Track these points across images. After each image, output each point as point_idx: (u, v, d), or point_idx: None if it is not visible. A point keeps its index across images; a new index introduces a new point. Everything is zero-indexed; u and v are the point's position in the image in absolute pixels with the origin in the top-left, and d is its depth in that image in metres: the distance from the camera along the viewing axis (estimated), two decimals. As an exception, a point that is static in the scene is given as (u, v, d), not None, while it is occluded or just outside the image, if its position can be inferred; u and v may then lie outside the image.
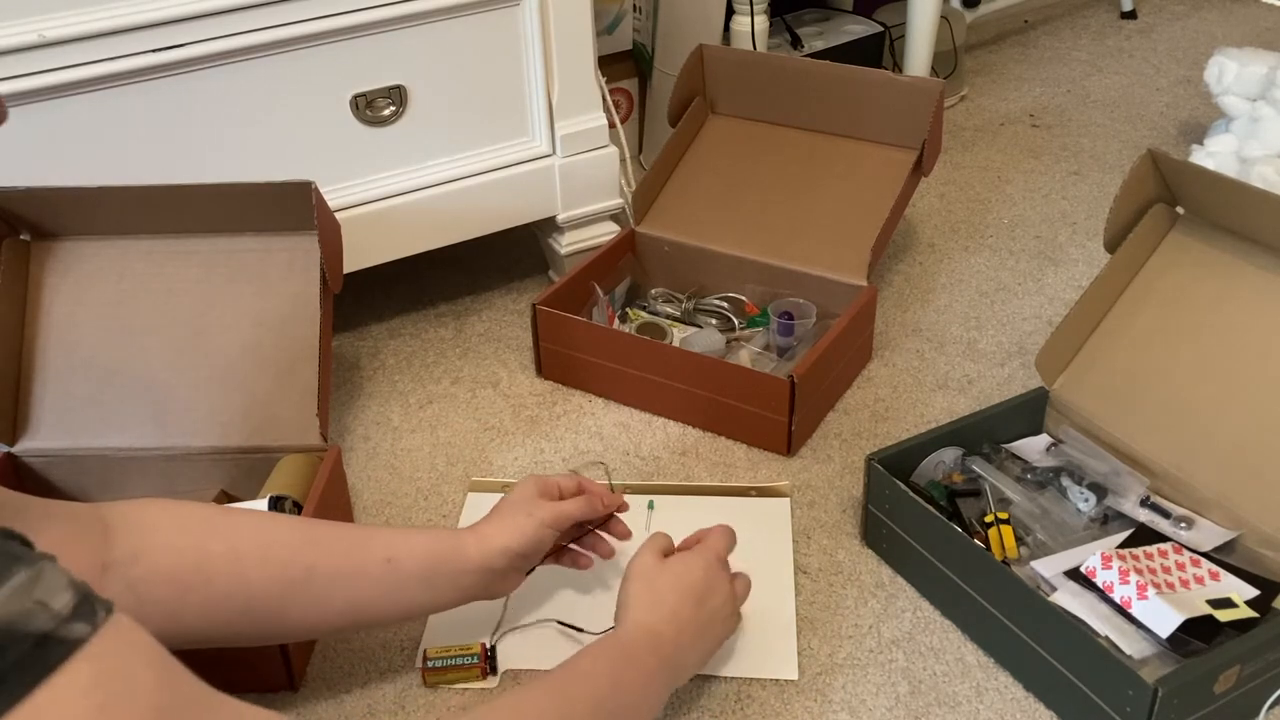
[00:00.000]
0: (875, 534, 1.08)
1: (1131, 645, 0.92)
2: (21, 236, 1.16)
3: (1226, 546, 1.00)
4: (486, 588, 0.92)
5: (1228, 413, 1.03)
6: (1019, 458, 1.13)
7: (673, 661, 0.86)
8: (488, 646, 0.99)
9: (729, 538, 0.97)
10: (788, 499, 1.15)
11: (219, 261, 1.16)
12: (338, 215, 1.22)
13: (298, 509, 1.01)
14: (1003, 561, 1.00)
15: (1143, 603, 0.92)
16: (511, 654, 0.99)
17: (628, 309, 1.41)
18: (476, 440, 1.27)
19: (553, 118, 1.38)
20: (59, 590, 0.44)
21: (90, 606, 0.45)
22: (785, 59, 1.54)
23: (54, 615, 0.43)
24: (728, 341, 1.33)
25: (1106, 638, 0.93)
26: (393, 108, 1.30)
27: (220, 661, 0.95)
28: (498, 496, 1.16)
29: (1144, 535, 1.02)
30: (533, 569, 0.97)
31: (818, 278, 1.34)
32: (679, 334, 1.35)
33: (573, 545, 1.01)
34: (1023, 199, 1.71)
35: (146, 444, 1.12)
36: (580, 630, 1.00)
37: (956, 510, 1.06)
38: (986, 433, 1.13)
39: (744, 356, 1.31)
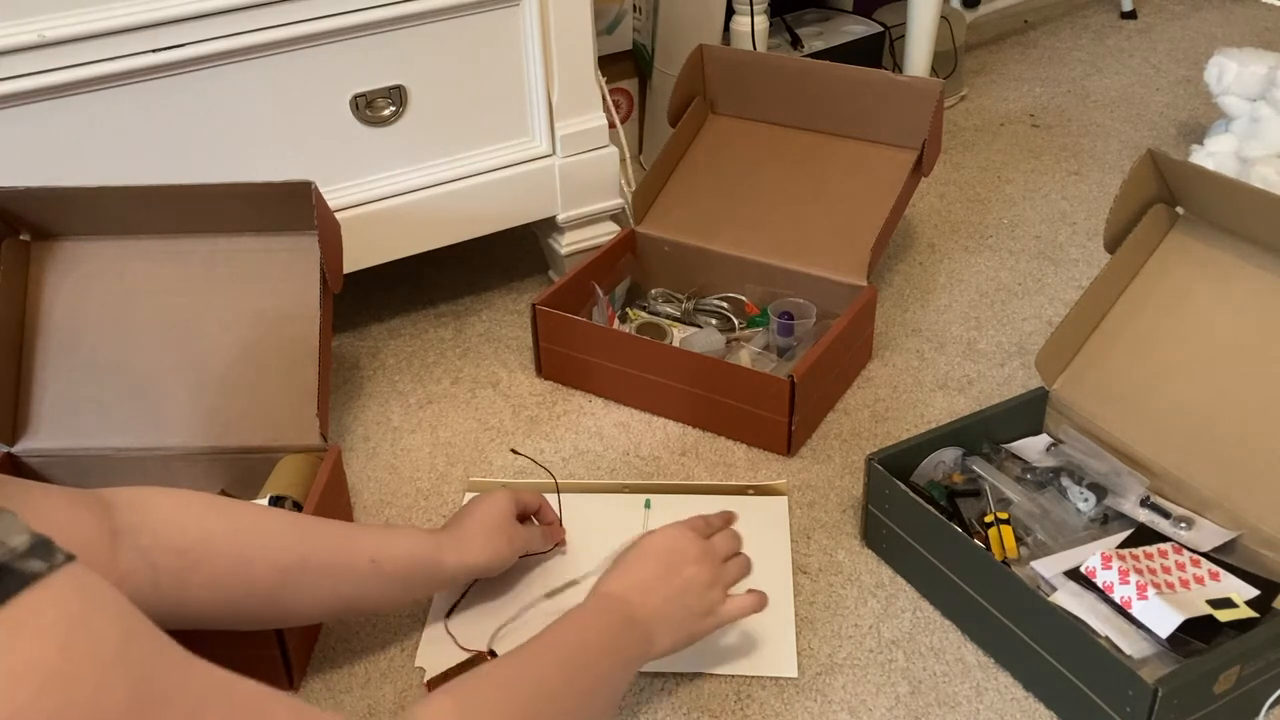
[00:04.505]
0: (875, 534, 1.08)
1: (1131, 645, 0.92)
2: (21, 236, 1.16)
3: (1226, 546, 1.00)
4: (452, 588, 1.04)
5: (1228, 413, 1.03)
6: (1019, 458, 1.13)
7: (639, 625, 0.87)
8: (490, 651, 0.99)
9: (719, 517, 1.01)
10: (785, 497, 1.15)
11: (219, 261, 1.16)
12: (338, 215, 1.22)
13: (298, 509, 1.01)
14: (1003, 561, 1.00)
15: (1143, 603, 0.92)
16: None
17: (628, 309, 1.41)
18: (476, 440, 1.27)
19: (553, 118, 1.38)
20: (17, 532, 0.45)
21: (48, 550, 0.45)
22: (785, 59, 1.54)
23: (8, 550, 0.44)
24: (728, 341, 1.33)
25: (1106, 638, 0.93)
26: (393, 108, 1.30)
27: (218, 662, 0.96)
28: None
29: (1144, 535, 1.02)
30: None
31: (818, 278, 1.34)
32: (679, 334, 1.35)
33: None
34: (1023, 199, 1.71)
35: (146, 444, 1.12)
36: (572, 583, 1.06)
37: (956, 510, 1.06)
38: (986, 433, 1.13)
39: (744, 356, 1.31)
